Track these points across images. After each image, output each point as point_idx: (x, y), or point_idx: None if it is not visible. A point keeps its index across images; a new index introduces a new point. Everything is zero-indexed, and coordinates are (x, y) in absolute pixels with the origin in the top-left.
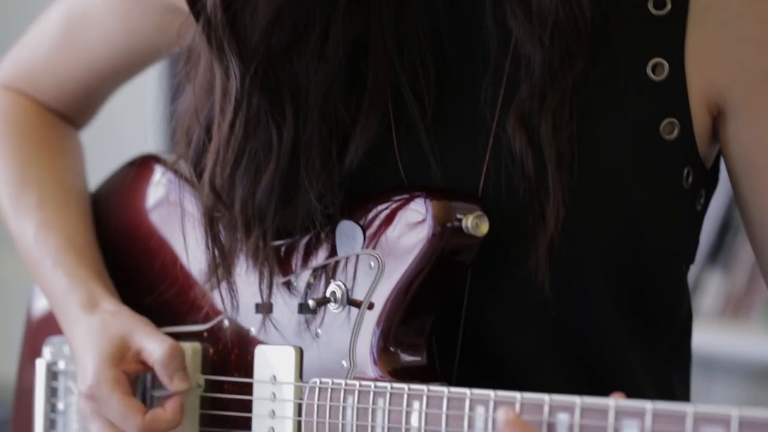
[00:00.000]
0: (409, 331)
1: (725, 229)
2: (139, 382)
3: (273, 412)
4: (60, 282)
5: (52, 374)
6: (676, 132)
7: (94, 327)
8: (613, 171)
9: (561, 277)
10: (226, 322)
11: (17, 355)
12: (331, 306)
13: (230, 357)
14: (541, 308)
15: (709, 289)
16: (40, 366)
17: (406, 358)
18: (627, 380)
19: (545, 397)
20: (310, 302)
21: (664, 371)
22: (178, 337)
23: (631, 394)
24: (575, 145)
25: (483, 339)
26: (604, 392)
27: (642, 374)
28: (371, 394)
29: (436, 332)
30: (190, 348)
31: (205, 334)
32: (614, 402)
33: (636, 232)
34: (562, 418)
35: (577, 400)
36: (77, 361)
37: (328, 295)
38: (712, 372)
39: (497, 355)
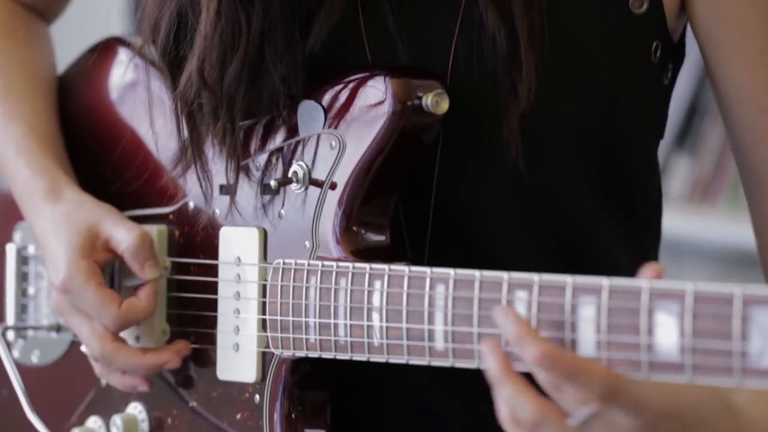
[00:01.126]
0: (371, 210)
1: (692, 112)
2: (106, 271)
3: (238, 293)
4: (22, 172)
5: (23, 259)
6: (645, 6)
7: (59, 217)
8: (583, 44)
9: (533, 150)
10: (191, 204)
11: None
12: (293, 186)
13: (196, 239)
14: (514, 182)
15: (676, 174)
16: (10, 251)
17: (369, 237)
18: (603, 255)
19: (504, 275)
20: (272, 183)
21: (641, 246)
22: (143, 219)
23: (607, 268)
24: (546, 18)
25: (456, 216)
26: (581, 267)
27: (618, 249)
28: (333, 274)
29: (408, 211)
30: (156, 230)
31: (171, 216)
32: (571, 279)
33: (606, 105)
34: (521, 295)
35: (535, 277)
36: (45, 253)
37: (290, 175)
38: (679, 256)
39: (470, 231)
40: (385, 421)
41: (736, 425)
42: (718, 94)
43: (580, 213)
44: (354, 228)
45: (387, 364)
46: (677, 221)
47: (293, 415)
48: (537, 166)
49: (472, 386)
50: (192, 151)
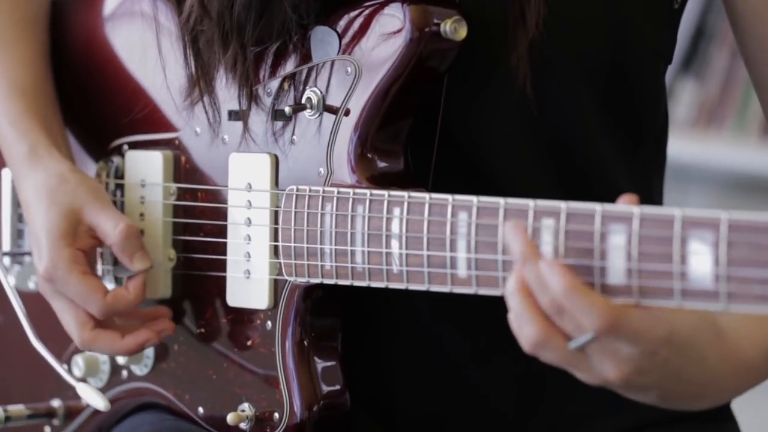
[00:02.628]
0: (386, 136)
1: (699, 36)
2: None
3: (249, 219)
4: (6, 132)
5: None
6: None
7: (41, 192)
8: None
9: (541, 77)
10: (199, 129)
11: None
12: (307, 112)
13: (203, 165)
14: (521, 110)
15: (682, 98)
16: (6, 176)
17: (384, 164)
18: (609, 182)
19: (530, 203)
20: (286, 109)
21: (645, 174)
22: (148, 144)
23: (612, 196)
24: None
25: (462, 144)
26: (587, 195)
27: (623, 176)
28: (350, 201)
29: (413, 139)
30: (161, 155)
31: (177, 141)
32: (600, 207)
33: (615, 30)
34: (548, 223)
35: (562, 205)
36: (30, 227)
37: (303, 101)
38: (684, 181)
39: (476, 159)
40: (390, 353)
41: (723, 348)
42: (730, 10)
43: (588, 140)
44: (369, 155)
45: (394, 298)
46: (683, 146)
47: (305, 342)
48: (545, 93)
49: (476, 320)
50: (199, 81)
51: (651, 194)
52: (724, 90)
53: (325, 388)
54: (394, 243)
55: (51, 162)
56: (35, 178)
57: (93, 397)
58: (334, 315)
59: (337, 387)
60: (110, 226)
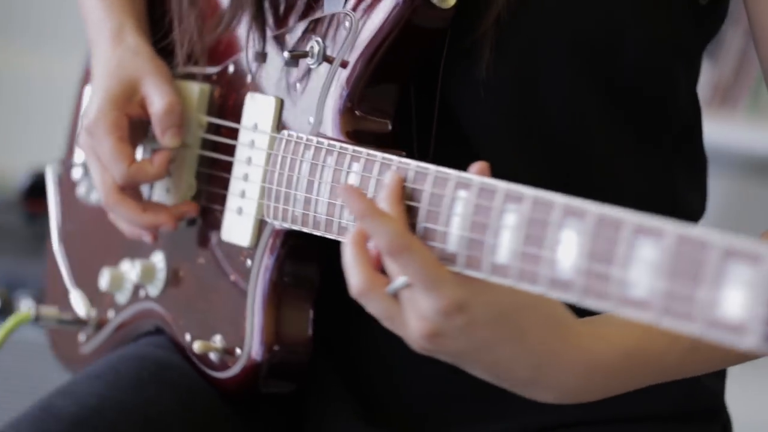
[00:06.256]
0: (375, 95)
1: None
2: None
3: (250, 158)
4: (97, 11)
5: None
6: None
7: (112, 62)
8: None
9: (527, 64)
10: (231, 68)
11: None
12: (308, 60)
13: (229, 102)
14: (514, 93)
15: None
16: (49, 173)
17: (370, 123)
18: (609, 175)
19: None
20: (285, 54)
21: (666, 169)
22: (193, 76)
23: (613, 189)
24: None
25: (458, 122)
26: (587, 190)
27: (632, 170)
28: (323, 151)
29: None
30: (198, 88)
31: (215, 77)
32: (630, 214)
33: (610, 19)
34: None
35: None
36: (92, 89)
37: (307, 49)
38: None
39: (469, 139)
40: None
41: (559, 339)
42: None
43: (586, 132)
44: (356, 111)
45: None
46: None
47: (278, 285)
48: (533, 82)
49: None
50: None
51: (673, 191)
52: (739, 70)
53: (288, 334)
54: None
55: (133, 39)
56: (112, 53)
57: (79, 307)
58: (313, 267)
59: (301, 335)
60: (158, 97)
